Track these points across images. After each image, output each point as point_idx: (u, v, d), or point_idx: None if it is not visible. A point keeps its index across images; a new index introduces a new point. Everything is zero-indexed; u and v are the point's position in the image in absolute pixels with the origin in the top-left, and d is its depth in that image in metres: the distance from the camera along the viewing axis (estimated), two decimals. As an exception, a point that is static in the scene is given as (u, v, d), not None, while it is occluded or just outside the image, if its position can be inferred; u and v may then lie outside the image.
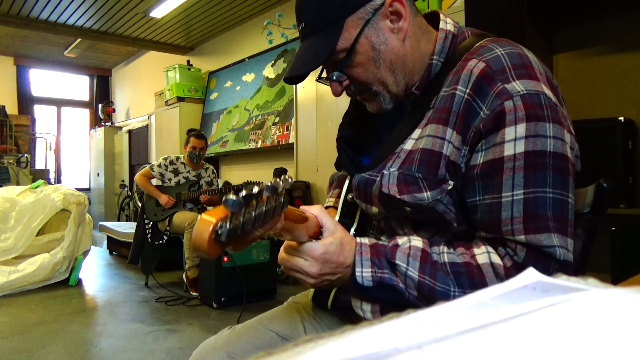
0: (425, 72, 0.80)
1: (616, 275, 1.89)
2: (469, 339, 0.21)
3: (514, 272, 0.65)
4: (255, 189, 0.53)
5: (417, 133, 0.78)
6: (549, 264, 0.67)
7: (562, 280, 0.27)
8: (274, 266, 3.40)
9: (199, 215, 0.54)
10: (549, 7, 2.44)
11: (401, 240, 0.74)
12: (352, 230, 0.91)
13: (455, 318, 0.23)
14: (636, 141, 2.21)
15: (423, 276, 0.70)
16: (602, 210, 0.88)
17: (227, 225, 0.52)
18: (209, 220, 0.52)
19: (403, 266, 0.71)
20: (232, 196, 0.50)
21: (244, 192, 0.51)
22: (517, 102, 0.68)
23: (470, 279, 0.68)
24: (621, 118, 2.12)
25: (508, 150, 0.69)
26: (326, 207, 1.04)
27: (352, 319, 0.94)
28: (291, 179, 0.60)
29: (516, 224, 0.68)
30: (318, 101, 3.98)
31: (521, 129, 0.68)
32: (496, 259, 0.69)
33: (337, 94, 0.83)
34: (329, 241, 0.72)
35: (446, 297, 0.69)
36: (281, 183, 0.56)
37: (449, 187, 0.73)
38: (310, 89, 4.05)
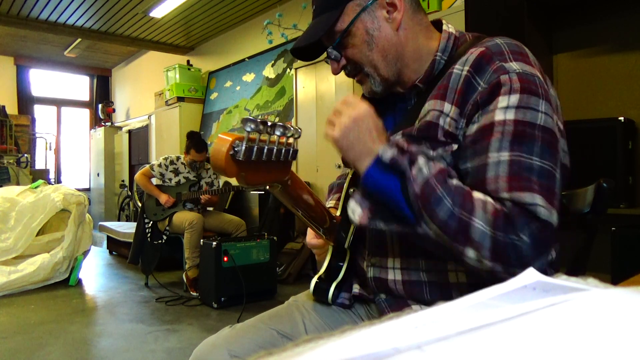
0: (429, 67, 0.85)
1: (616, 275, 1.89)
2: (469, 339, 0.21)
3: (501, 217, 0.66)
4: (270, 123, 0.58)
5: (422, 116, 0.82)
6: (531, 221, 0.66)
7: (562, 280, 0.27)
8: (274, 266, 3.40)
9: (218, 135, 0.59)
10: (549, 7, 2.44)
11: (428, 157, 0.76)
12: (353, 227, 0.92)
13: (455, 318, 0.23)
14: (636, 141, 2.21)
15: (433, 178, 0.71)
16: (602, 210, 0.89)
17: (244, 144, 0.56)
18: (226, 138, 0.57)
19: (421, 162, 0.72)
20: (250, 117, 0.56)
21: (259, 119, 0.57)
22: (513, 77, 0.72)
23: (463, 201, 0.69)
24: (621, 118, 2.12)
25: (499, 115, 0.71)
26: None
27: (353, 317, 0.95)
28: (301, 130, 0.65)
29: (501, 182, 0.69)
30: (318, 101, 3.98)
31: (514, 98, 0.71)
32: (490, 199, 0.69)
33: (334, 72, 0.91)
34: (375, 114, 0.76)
35: (440, 203, 0.69)
36: (292, 128, 0.62)
37: (454, 149, 0.76)
38: (310, 89, 4.05)
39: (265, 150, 0.59)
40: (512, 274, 0.65)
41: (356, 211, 0.78)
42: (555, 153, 0.71)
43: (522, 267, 0.64)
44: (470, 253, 0.67)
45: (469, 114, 0.75)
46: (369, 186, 0.76)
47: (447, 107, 0.77)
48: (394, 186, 0.73)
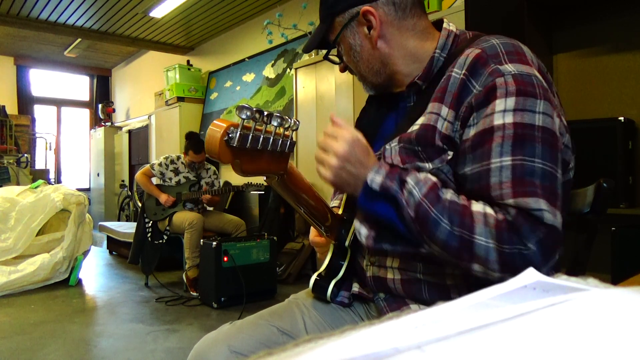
0: (427, 65, 0.86)
1: (616, 275, 1.89)
2: (469, 339, 0.21)
3: (505, 227, 0.67)
4: (266, 113, 0.58)
5: (421, 120, 0.82)
6: (537, 227, 0.67)
7: (562, 280, 0.27)
8: (274, 266, 3.40)
9: (213, 121, 0.59)
10: (549, 7, 2.44)
11: (419, 171, 0.77)
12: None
13: (455, 318, 0.23)
14: (636, 141, 2.20)
15: (425, 200, 0.72)
16: (602, 210, 0.88)
17: (238, 131, 0.56)
18: (220, 124, 0.57)
19: (411, 184, 0.73)
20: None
21: (255, 108, 0.57)
22: (509, 79, 0.72)
23: (461, 219, 0.69)
24: (621, 118, 2.12)
25: (498, 120, 0.72)
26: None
27: (352, 315, 0.96)
28: (299, 122, 0.67)
29: (505, 189, 0.69)
30: (318, 101, 3.98)
31: (511, 102, 0.71)
32: (490, 210, 0.70)
33: (340, 70, 0.98)
34: (360, 137, 0.77)
35: (437, 225, 0.70)
36: (289, 120, 0.62)
37: (449, 157, 0.77)
38: (310, 89, 4.05)
39: (260, 139, 0.59)
40: None
41: (362, 232, 0.81)
42: (555, 152, 0.71)
43: None
44: (477, 267, 0.69)
45: (463, 116, 0.76)
46: (365, 212, 0.79)
47: (443, 110, 0.79)
48: (389, 212, 0.75)
